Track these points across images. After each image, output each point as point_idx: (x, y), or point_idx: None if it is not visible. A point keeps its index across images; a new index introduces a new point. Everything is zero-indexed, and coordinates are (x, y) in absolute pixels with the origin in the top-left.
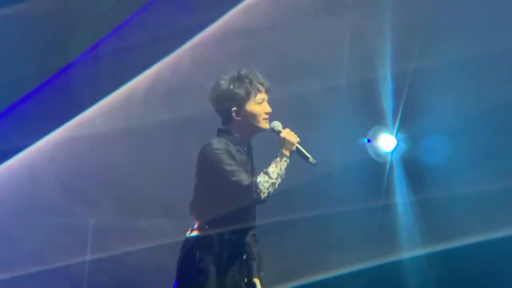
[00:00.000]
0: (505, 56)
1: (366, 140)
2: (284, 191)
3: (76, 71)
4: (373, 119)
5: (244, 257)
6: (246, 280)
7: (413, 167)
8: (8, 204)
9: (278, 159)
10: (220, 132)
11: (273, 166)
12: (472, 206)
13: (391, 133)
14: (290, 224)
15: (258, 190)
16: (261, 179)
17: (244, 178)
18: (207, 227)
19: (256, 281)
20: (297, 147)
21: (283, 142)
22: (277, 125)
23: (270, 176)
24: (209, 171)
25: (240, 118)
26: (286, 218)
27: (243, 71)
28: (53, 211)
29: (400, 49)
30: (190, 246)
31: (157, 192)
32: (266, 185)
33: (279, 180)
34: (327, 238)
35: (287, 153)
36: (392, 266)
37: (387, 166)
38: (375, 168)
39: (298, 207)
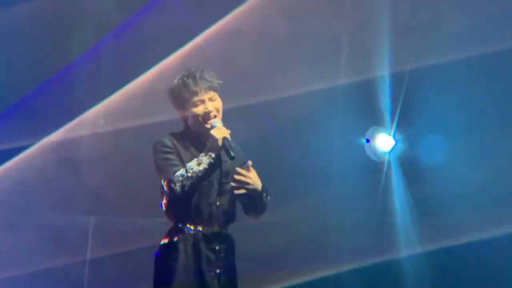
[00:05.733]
0: (504, 56)
1: (364, 140)
2: (283, 191)
3: (77, 71)
4: (371, 119)
5: (217, 248)
6: (218, 271)
7: (411, 167)
8: (9, 204)
9: (202, 154)
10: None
11: (193, 161)
12: (469, 205)
13: (389, 133)
14: (288, 224)
15: (172, 184)
16: (179, 173)
17: (168, 175)
18: (175, 223)
19: None
20: (223, 142)
21: (210, 139)
22: (214, 122)
23: (187, 170)
24: (154, 166)
25: (186, 120)
26: (285, 218)
27: (183, 74)
28: (53, 211)
29: (398, 49)
30: (161, 243)
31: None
32: (181, 178)
33: (200, 174)
34: (325, 238)
35: (212, 149)
36: (390, 265)
37: (385, 166)
38: (373, 168)
39: (296, 207)
